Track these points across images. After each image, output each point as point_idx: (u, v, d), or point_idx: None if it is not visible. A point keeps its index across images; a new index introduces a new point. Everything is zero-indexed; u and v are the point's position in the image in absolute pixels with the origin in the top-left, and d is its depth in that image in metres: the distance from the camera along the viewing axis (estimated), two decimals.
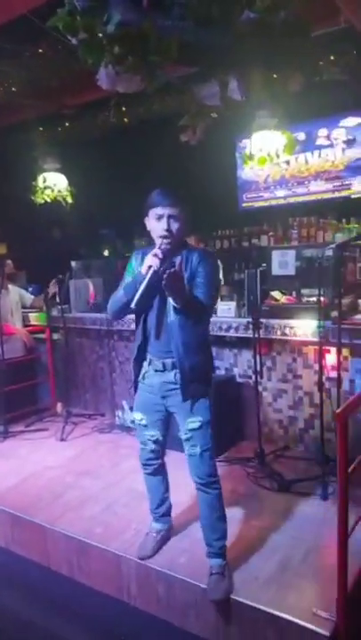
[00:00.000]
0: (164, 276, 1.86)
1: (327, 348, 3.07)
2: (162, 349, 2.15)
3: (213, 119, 3.02)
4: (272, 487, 2.99)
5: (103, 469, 3.40)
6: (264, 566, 2.29)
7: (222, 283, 4.38)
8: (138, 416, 2.32)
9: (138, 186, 6.50)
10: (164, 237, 2.06)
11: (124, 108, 5.09)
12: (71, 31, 2.15)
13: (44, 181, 5.51)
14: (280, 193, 5.96)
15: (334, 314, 2.99)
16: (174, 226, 2.07)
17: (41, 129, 5.80)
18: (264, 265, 3.63)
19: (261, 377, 3.37)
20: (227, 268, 4.65)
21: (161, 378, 2.19)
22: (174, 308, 2.03)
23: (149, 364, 2.22)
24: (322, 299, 2.97)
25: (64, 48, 3.77)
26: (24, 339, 4.48)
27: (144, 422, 2.30)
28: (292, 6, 2.18)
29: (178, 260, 2.07)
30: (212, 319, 2.58)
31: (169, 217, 2.05)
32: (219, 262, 3.55)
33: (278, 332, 3.36)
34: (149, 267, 1.97)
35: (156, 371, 2.19)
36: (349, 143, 5.42)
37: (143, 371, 2.25)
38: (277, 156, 3.73)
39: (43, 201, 5.54)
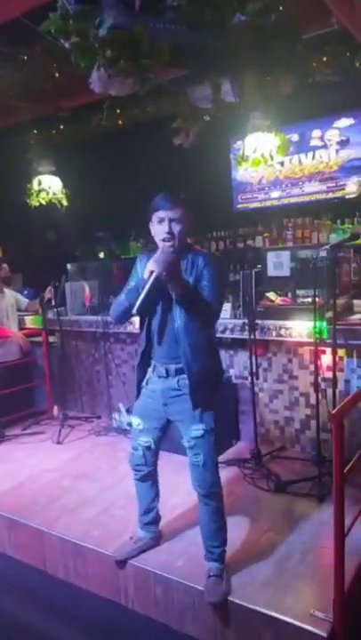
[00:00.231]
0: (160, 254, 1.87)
1: (323, 348, 3.08)
2: (166, 355, 2.15)
3: (207, 122, 3.03)
4: (269, 488, 3.00)
5: (100, 472, 3.39)
6: (261, 568, 2.29)
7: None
8: (135, 421, 2.32)
9: (132, 188, 6.53)
10: (167, 240, 2.07)
11: (118, 111, 5.09)
12: (64, 35, 2.16)
13: (39, 184, 5.50)
14: (274, 194, 5.98)
15: (329, 314, 3.00)
16: (176, 228, 2.07)
17: (35, 132, 5.79)
18: (259, 266, 3.64)
19: (257, 378, 3.37)
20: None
21: (164, 384, 2.18)
22: (179, 303, 2.01)
23: (153, 370, 2.21)
24: (317, 299, 2.98)
25: (58, 51, 3.77)
26: (20, 342, 4.47)
27: (141, 427, 2.29)
28: (284, 9, 2.19)
29: (183, 264, 2.07)
30: None
31: (170, 220, 2.05)
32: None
33: (274, 333, 3.36)
34: (151, 272, 1.95)
35: (160, 377, 2.18)
36: (343, 144, 5.45)
37: (147, 376, 2.25)
38: (271, 158, 3.74)
39: (38, 204, 5.52)
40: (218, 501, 2.21)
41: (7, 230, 6.63)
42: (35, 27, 2.50)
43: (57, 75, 4.21)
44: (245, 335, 3.35)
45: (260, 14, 2.15)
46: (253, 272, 3.38)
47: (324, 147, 5.56)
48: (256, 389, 3.44)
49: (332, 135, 5.48)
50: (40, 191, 5.47)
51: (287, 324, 3.32)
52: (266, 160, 3.64)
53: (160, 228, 2.08)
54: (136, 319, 2.32)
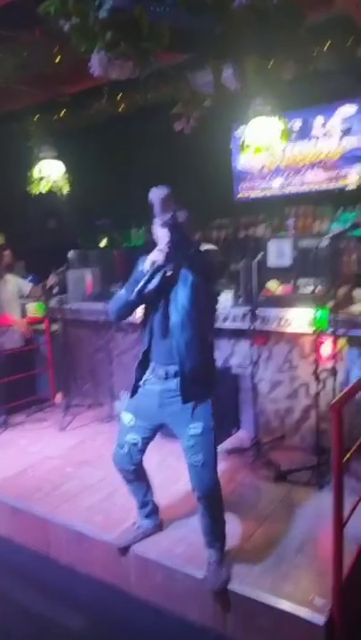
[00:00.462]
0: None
1: (323, 338, 3.07)
2: (165, 356, 2.14)
3: (208, 108, 2.99)
4: (268, 477, 3.02)
5: (103, 459, 3.40)
6: (261, 555, 2.32)
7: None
8: (127, 417, 2.29)
9: (133, 175, 6.48)
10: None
11: (119, 97, 5.03)
12: (63, 16, 2.12)
13: (40, 172, 5.46)
14: (276, 183, 5.92)
15: (330, 304, 2.99)
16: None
17: (36, 118, 5.73)
18: (261, 254, 3.62)
19: (258, 368, 3.37)
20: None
21: (162, 385, 2.17)
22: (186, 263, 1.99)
23: (152, 371, 2.21)
24: (318, 289, 2.97)
25: (59, 34, 3.71)
26: (22, 329, 4.48)
27: (132, 424, 2.26)
28: None
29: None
30: None
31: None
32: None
33: (275, 323, 3.36)
34: (153, 262, 1.97)
35: (159, 378, 2.18)
36: (345, 132, 5.38)
37: (145, 377, 2.24)
38: (273, 145, 3.70)
39: (38, 192, 5.50)
40: (216, 502, 2.20)
41: (8, 218, 6.61)
42: (36, 8, 2.46)
43: (57, 59, 4.16)
44: (246, 325, 3.35)
45: None
46: (255, 261, 3.36)
47: (327, 135, 5.49)
48: (256, 379, 3.44)
49: (335, 123, 5.41)
50: (41, 179, 5.43)
51: (288, 313, 3.32)
52: (267, 147, 3.60)
53: (163, 232, 2.05)
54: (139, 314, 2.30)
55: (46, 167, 5.45)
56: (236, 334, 3.65)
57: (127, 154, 6.21)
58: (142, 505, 2.46)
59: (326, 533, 2.07)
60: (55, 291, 4.44)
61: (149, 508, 2.47)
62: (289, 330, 3.35)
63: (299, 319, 3.25)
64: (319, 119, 5.50)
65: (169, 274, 2.08)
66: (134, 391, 2.28)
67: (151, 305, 2.14)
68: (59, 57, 4.08)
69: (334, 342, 2.95)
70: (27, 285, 4.68)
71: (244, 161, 5.80)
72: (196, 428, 2.12)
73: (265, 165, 5.86)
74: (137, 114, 5.37)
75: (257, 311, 3.27)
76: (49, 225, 7.19)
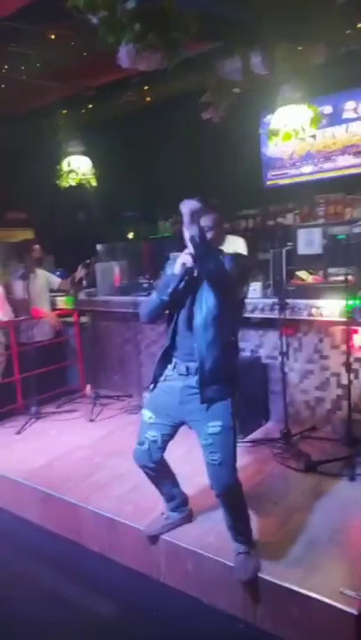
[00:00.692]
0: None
1: (355, 328, 3.01)
2: (187, 352, 2.14)
3: (237, 95, 2.94)
4: (299, 467, 2.99)
5: (131, 450, 3.42)
6: (291, 546, 2.30)
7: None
8: (147, 414, 2.29)
9: (160, 167, 6.46)
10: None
11: (145, 88, 5.01)
12: (92, 9, 2.13)
13: (69, 165, 5.52)
14: (306, 169, 5.81)
15: None
16: (207, 235, 2.03)
17: (64, 112, 5.79)
18: (290, 244, 3.58)
19: (288, 358, 3.34)
20: (251, 248, 4.59)
21: (184, 382, 2.16)
22: (208, 277, 1.98)
23: (174, 367, 2.20)
24: (350, 278, 2.91)
25: (85, 29, 3.73)
26: (52, 322, 4.56)
27: (152, 421, 2.26)
28: None
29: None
30: None
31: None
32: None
33: (305, 313, 3.32)
34: (183, 264, 2.00)
35: (180, 374, 2.17)
36: None
37: (166, 373, 2.24)
38: (303, 131, 3.62)
39: (67, 185, 5.55)
40: (235, 500, 2.19)
41: (38, 212, 6.72)
42: (63, 3, 2.48)
43: (84, 53, 4.17)
44: (275, 315, 3.32)
45: None
46: (284, 250, 3.32)
47: (359, 119, 5.35)
48: (286, 369, 3.41)
49: None
50: (70, 172, 5.49)
51: (318, 303, 3.27)
52: (297, 133, 3.53)
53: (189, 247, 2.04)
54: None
55: (75, 161, 5.51)
56: (265, 324, 3.61)
57: (154, 145, 6.20)
58: (169, 498, 2.48)
59: (358, 525, 2.05)
60: (84, 284, 4.50)
61: (177, 500, 2.48)
62: (319, 319, 3.30)
63: (329, 309, 3.19)
64: (350, 103, 5.36)
65: (196, 274, 2.07)
66: (154, 386, 2.28)
67: (177, 303, 2.14)
68: (85, 52, 4.10)
69: None
70: (55, 279, 4.76)
71: (274, 147, 5.70)
72: (214, 426, 2.10)
73: (295, 151, 5.75)
74: (163, 104, 5.36)
75: (286, 300, 3.23)
76: (78, 218, 7.27)
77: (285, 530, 2.43)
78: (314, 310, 3.28)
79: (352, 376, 2.97)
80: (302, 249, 3.49)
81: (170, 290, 2.04)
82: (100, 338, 4.70)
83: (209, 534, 2.41)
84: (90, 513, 2.74)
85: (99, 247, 5.17)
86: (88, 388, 4.59)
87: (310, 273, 3.61)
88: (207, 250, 1.92)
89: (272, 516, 2.54)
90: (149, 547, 2.48)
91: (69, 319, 4.73)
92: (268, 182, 6.10)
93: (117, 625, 2.33)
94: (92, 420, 4.05)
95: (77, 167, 5.55)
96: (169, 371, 2.23)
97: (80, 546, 2.79)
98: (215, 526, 2.44)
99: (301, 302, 3.32)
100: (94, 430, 3.88)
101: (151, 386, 2.32)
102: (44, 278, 4.68)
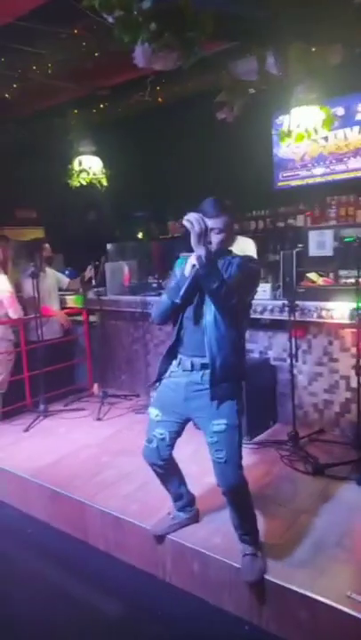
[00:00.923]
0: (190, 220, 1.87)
1: None
2: (193, 348, 2.14)
3: (250, 96, 2.93)
4: (306, 470, 2.98)
5: (139, 449, 3.41)
6: (298, 548, 2.29)
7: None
8: (154, 412, 2.30)
9: (171, 167, 6.47)
10: None
11: (158, 88, 5.02)
12: (107, 9, 2.13)
13: (80, 164, 5.54)
14: (318, 171, 5.79)
15: None
16: (215, 238, 2.06)
17: (75, 112, 5.81)
18: (300, 246, 3.56)
19: (296, 360, 3.33)
20: (261, 249, 4.58)
21: (188, 378, 2.17)
22: (210, 294, 2.00)
23: (179, 363, 2.21)
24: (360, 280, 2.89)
25: (99, 29, 3.74)
26: (62, 321, 4.58)
27: (158, 418, 2.27)
28: None
29: (221, 263, 2.05)
30: None
31: (210, 229, 2.03)
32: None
33: (314, 315, 3.30)
34: (193, 265, 2.00)
35: (185, 370, 2.18)
36: None
37: (171, 369, 2.25)
38: (316, 132, 3.60)
39: (78, 184, 5.57)
40: (241, 498, 2.19)
41: (49, 211, 6.75)
42: (77, 4, 2.49)
43: (97, 53, 4.19)
44: (285, 316, 3.30)
45: None
46: (294, 252, 3.30)
47: None
48: (295, 371, 3.39)
49: None
50: (81, 171, 5.51)
51: (328, 305, 3.25)
52: (310, 134, 3.51)
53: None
54: None
55: (86, 160, 5.53)
56: (275, 326, 3.60)
57: (164, 145, 6.21)
58: (176, 498, 2.48)
59: None
60: (93, 283, 4.51)
61: (184, 500, 2.49)
62: (329, 322, 3.28)
63: (339, 311, 3.18)
64: None
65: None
66: (158, 381, 2.29)
67: (186, 301, 2.14)
68: (98, 52, 4.11)
69: None
70: (64, 279, 4.80)
71: (286, 149, 5.69)
72: (219, 425, 2.11)
73: (307, 153, 5.74)
74: (174, 105, 5.36)
75: (296, 302, 3.21)
76: (88, 218, 7.29)
77: (292, 532, 2.42)
78: (324, 312, 3.27)
79: None
80: (313, 251, 3.47)
81: (182, 292, 2.05)
82: (109, 337, 4.71)
83: (215, 535, 2.41)
84: (96, 511, 2.75)
85: (109, 247, 5.19)
86: (96, 387, 4.60)
87: (320, 275, 3.59)
88: (212, 270, 1.94)
89: (279, 518, 2.53)
90: (155, 546, 2.48)
91: (78, 318, 4.75)
92: (280, 183, 6.09)
93: (122, 624, 2.33)
94: (99, 419, 4.06)
95: (88, 167, 5.57)
96: (173, 367, 2.24)
97: (86, 544, 2.80)
98: (222, 527, 2.43)
99: (311, 304, 3.31)
100: (102, 429, 3.89)
101: (156, 383, 2.32)
102: (54, 277, 4.70)
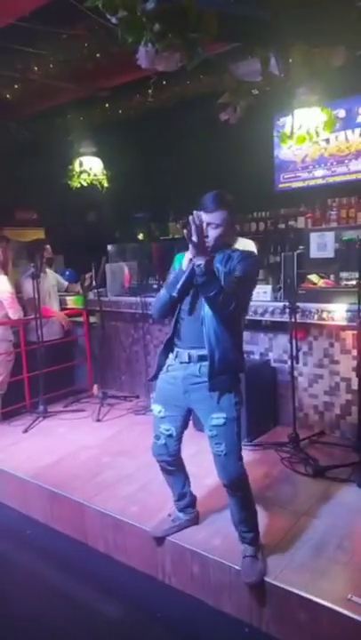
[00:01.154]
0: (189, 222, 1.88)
1: None
2: (190, 341, 2.15)
3: (254, 96, 2.93)
4: (307, 472, 2.97)
5: (139, 450, 3.45)
6: (298, 551, 2.29)
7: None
8: (157, 408, 2.31)
9: (171, 168, 6.47)
10: None
11: (160, 89, 5.01)
12: (111, 10, 2.13)
13: (80, 165, 5.54)
14: (319, 173, 5.79)
15: None
16: (212, 233, 2.06)
17: (77, 112, 5.81)
18: (301, 247, 3.56)
19: (297, 362, 3.32)
20: (262, 250, 4.57)
21: (185, 370, 2.17)
22: (203, 294, 2.01)
23: (176, 356, 2.21)
24: None
25: (100, 29, 3.75)
26: (62, 322, 4.57)
27: (162, 414, 2.28)
28: None
29: (220, 257, 2.07)
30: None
31: (208, 224, 2.03)
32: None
33: (315, 317, 3.30)
34: (190, 259, 2.01)
35: (182, 363, 2.18)
36: None
37: (168, 362, 2.25)
38: (317, 134, 3.60)
39: (79, 185, 5.57)
40: (243, 491, 2.19)
41: (49, 212, 6.75)
42: (79, 4, 2.48)
43: (98, 54, 4.19)
44: (286, 318, 3.30)
45: None
46: (295, 254, 3.30)
47: None
48: (296, 373, 3.39)
49: None
50: (81, 172, 5.51)
51: (329, 307, 3.24)
52: (311, 137, 3.51)
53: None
54: None
55: (86, 161, 5.53)
56: (275, 328, 3.60)
57: (165, 146, 6.21)
58: (179, 497, 2.47)
59: None
60: (93, 284, 4.51)
61: (186, 500, 2.48)
62: (330, 324, 3.28)
63: (341, 313, 3.17)
64: None
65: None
66: (156, 376, 2.31)
67: (183, 294, 2.14)
68: (100, 53, 4.12)
69: None
70: (63, 282, 4.82)
71: (287, 150, 5.68)
72: (218, 418, 2.12)
73: (308, 155, 5.73)
74: (175, 106, 5.36)
75: (297, 304, 3.21)
76: (88, 218, 7.29)
77: (292, 534, 2.41)
78: (325, 314, 3.26)
79: None
80: (314, 252, 3.47)
81: (179, 286, 2.06)
82: (109, 338, 4.71)
83: (215, 537, 2.40)
84: (96, 513, 2.74)
85: (109, 248, 5.18)
86: (96, 388, 4.59)
87: (321, 277, 3.58)
88: (211, 279, 1.95)
89: (279, 520, 2.53)
90: (155, 548, 2.47)
91: (78, 319, 4.74)
92: (281, 185, 6.08)
93: (122, 626, 2.33)
94: (99, 420, 4.05)
95: (89, 168, 5.57)
96: (170, 360, 2.24)
97: (86, 545, 2.79)
98: (222, 529, 2.43)
99: (312, 306, 3.31)
100: (101, 430, 3.88)
101: (155, 378, 2.33)
102: (54, 278, 4.71)
